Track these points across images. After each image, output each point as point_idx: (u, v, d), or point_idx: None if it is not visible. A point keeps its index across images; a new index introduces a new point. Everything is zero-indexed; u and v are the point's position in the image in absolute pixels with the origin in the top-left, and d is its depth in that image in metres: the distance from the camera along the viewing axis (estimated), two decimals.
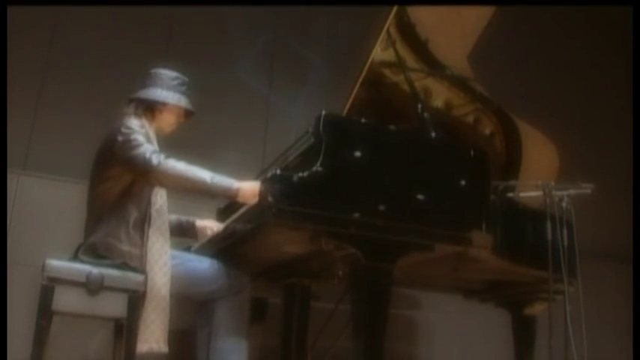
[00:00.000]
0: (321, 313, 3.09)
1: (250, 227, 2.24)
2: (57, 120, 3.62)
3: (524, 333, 3.03)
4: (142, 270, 2.30)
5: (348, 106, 2.78)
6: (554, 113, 4.42)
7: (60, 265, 2.20)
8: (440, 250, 2.27)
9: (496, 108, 3.12)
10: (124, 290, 2.23)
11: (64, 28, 3.77)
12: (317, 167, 2.11)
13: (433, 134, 2.45)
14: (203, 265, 2.49)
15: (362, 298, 2.17)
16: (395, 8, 2.70)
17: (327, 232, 2.11)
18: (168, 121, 2.57)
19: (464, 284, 3.19)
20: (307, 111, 3.59)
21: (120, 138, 2.33)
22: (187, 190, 2.38)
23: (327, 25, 4.37)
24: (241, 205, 2.40)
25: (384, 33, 2.71)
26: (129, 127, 2.36)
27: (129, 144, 2.31)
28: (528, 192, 2.73)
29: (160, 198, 2.45)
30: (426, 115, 2.55)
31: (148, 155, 2.27)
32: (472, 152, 2.43)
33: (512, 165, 3.12)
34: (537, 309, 3.00)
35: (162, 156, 2.28)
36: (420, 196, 2.26)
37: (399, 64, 2.80)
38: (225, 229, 2.54)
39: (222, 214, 3.03)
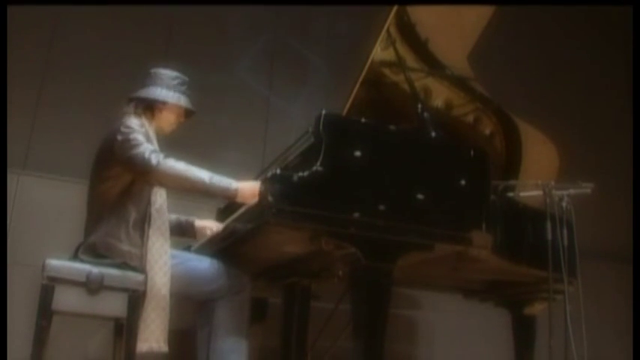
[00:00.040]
0: (321, 313, 3.09)
1: (250, 227, 2.24)
2: (57, 120, 3.62)
3: (524, 333, 3.03)
4: (141, 269, 2.30)
5: (348, 105, 2.78)
6: (554, 113, 4.42)
7: (60, 264, 2.20)
8: (440, 250, 2.27)
9: (496, 108, 3.12)
10: (124, 290, 2.23)
11: (64, 28, 3.77)
12: (317, 167, 2.11)
13: (433, 134, 2.45)
14: (203, 264, 2.49)
15: (362, 298, 2.17)
16: (395, 8, 2.70)
17: (327, 232, 2.10)
18: (168, 120, 2.57)
19: (464, 284, 3.19)
20: (307, 111, 3.60)
21: (119, 137, 2.33)
22: (186, 190, 2.38)
23: (327, 25, 4.37)
24: (241, 205, 2.40)
25: (384, 33, 2.71)
26: (128, 127, 2.36)
27: (128, 143, 2.31)
28: (528, 192, 2.73)
29: (159, 197, 2.45)
30: (426, 114, 2.55)
31: (147, 155, 2.27)
32: (472, 152, 2.43)
33: (512, 165, 3.12)
34: (537, 309, 3.00)
35: (161, 156, 2.28)
36: (420, 196, 2.26)
37: (399, 64, 2.80)
38: (225, 228, 2.54)
39: (222, 214, 3.03)
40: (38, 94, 3.64)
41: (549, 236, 2.56)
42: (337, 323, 2.92)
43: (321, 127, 2.20)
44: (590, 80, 5.00)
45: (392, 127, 2.33)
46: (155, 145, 2.45)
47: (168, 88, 2.54)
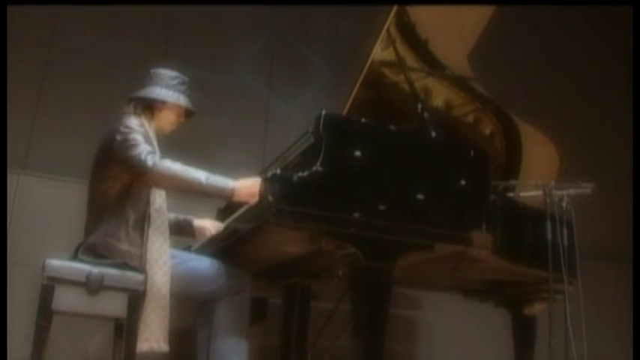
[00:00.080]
0: (321, 313, 3.09)
1: (250, 227, 2.24)
2: (57, 120, 3.62)
3: (524, 333, 3.03)
4: (141, 269, 2.30)
5: (348, 106, 2.78)
6: (554, 113, 4.43)
7: (60, 264, 2.20)
8: (440, 250, 2.27)
9: (496, 108, 3.12)
10: (124, 290, 2.23)
11: (64, 28, 3.77)
12: (317, 167, 2.11)
13: (433, 134, 2.45)
14: (203, 264, 2.49)
15: (362, 298, 2.17)
16: (395, 8, 2.70)
17: (327, 232, 2.10)
18: (168, 119, 2.56)
19: (464, 284, 3.19)
20: (307, 111, 3.60)
21: (118, 137, 2.33)
22: (183, 191, 2.38)
23: (327, 25, 4.37)
24: (241, 205, 2.40)
25: (384, 33, 2.71)
26: (127, 127, 2.36)
27: (127, 143, 2.30)
28: (528, 192, 2.73)
29: (158, 197, 2.45)
30: (426, 114, 2.55)
31: (143, 156, 2.26)
32: (472, 152, 2.43)
33: (512, 165, 3.12)
34: (537, 309, 3.00)
35: (157, 157, 2.27)
36: (420, 196, 2.26)
37: (399, 64, 2.80)
38: (226, 228, 2.54)
39: (222, 214, 3.03)
40: (38, 94, 3.64)
41: (549, 236, 2.55)
42: (337, 323, 2.92)
43: (321, 127, 2.20)
44: (590, 80, 5.00)
45: (392, 127, 2.33)
46: (155, 145, 2.45)
47: (167, 88, 2.54)
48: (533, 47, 4.85)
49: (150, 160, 2.25)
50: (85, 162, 2.48)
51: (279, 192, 2.02)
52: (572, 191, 2.63)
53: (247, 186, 2.26)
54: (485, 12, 3.02)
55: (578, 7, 4.81)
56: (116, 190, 2.35)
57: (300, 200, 2.04)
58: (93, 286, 2.18)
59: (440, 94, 3.05)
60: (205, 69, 3.81)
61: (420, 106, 2.59)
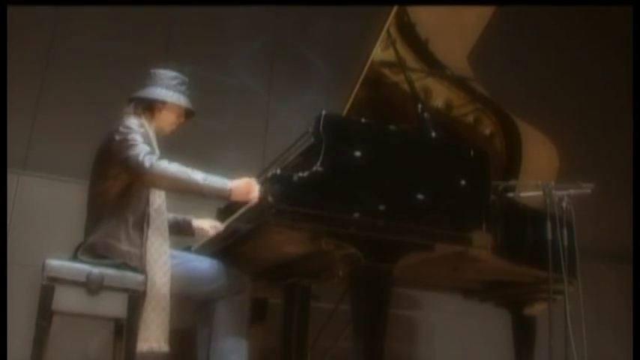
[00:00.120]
0: (321, 313, 3.09)
1: (250, 227, 2.24)
2: (57, 120, 3.61)
3: (524, 333, 3.03)
4: (141, 270, 2.30)
5: (348, 106, 2.78)
6: (554, 113, 4.43)
7: (60, 264, 2.20)
8: (440, 250, 2.27)
9: (496, 108, 3.12)
10: (124, 290, 2.23)
11: (64, 28, 3.76)
12: (317, 167, 2.11)
13: (433, 134, 2.45)
14: (203, 264, 2.49)
15: (362, 298, 2.17)
16: (395, 8, 2.70)
17: (327, 232, 2.11)
18: (168, 120, 2.56)
19: (464, 284, 3.20)
20: (307, 111, 3.59)
21: (117, 137, 2.33)
22: (181, 192, 2.38)
23: (328, 25, 4.37)
24: (241, 205, 2.40)
25: (384, 33, 2.71)
26: (127, 127, 2.36)
27: (125, 143, 2.30)
28: (528, 192, 2.73)
29: (158, 198, 2.45)
30: (426, 115, 2.55)
31: (141, 158, 2.25)
32: (472, 152, 2.43)
33: (512, 165, 3.12)
34: (537, 309, 3.01)
35: (154, 158, 2.27)
36: (420, 196, 2.26)
37: (399, 64, 2.80)
38: (226, 228, 2.54)
39: (222, 214, 3.03)
40: (38, 94, 3.64)
41: (549, 236, 2.55)
42: (337, 323, 2.92)
43: (321, 127, 2.20)
44: (590, 80, 5.00)
45: (392, 127, 2.34)
46: (155, 146, 2.45)
47: (167, 88, 2.54)
48: (533, 47, 4.85)
49: (147, 161, 2.24)
50: (85, 162, 2.48)
51: (279, 192, 2.02)
52: (572, 191, 2.63)
53: (242, 186, 2.25)
54: (485, 12, 3.02)
55: (578, 7, 4.82)
56: (116, 190, 2.35)
57: (300, 200, 2.04)
58: (93, 287, 2.18)
59: (440, 95, 3.05)
60: (205, 69, 3.81)
61: (420, 106, 2.59)
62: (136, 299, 2.24)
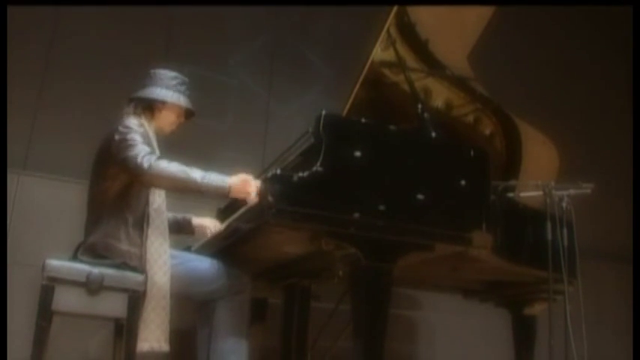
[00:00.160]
0: (321, 313, 3.09)
1: (250, 227, 2.24)
2: (57, 120, 3.62)
3: (524, 333, 3.04)
4: (141, 269, 2.30)
5: (348, 106, 2.78)
6: (554, 113, 4.43)
7: (60, 264, 2.20)
8: (440, 250, 2.27)
9: (496, 108, 3.12)
10: (124, 290, 2.23)
11: (64, 28, 3.76)
12: (317, 167, 2.10)
13: (433, 134, 2.45)
14: (203, 264, 2.49)
15: (362, 298, 2.17)
16: (395, 8, 2.70)
17: (327, 232, 2.11)
18: (167, 120, 2.56)
19: (464, 284, 3.20)
20: (307, 111, 3.59)
21: (117, 137, 2.33)
22: (180, 191, 2.38)
23: (328, 25, 4.37)
24: (241, 205, 2.40)
25: (384, 33, 2.71)
26: (126, 127, 2.36)
27: (125, 143, 2.30)
28: (528, 192, 2.73)
29: (158, 197, 2.45)
30: (426, 115, 2.55)
31: (139, 159, 2.25)
32: (472, 152, 2.43)
33: (512, 165, 3.12)
34: (537, 309, 3.01)
35: (153, 158, 2.26)
36: (420, 196, 2.26)
37: (399, 64, 2.80)
38: (227, 228, 2.54)
39: (222, 214, 3.03)
40: (38, 94, 3.64)
41: (549, 236, 2.56)
42: (337, 323, 2.92)
43: (321, 127, 2.20)
44: (590, 80, 5.00)
45: (392, 127, 2.33)
46: (154, 146, 2.45)
47: (167, 88, 2.54)
48: (533, 47, 4.85)
49: (146, 162, 2.24)
50: (85, 162, 2.48)
51: (279, 192, 2.02)
52: (572, 191, 2.63)
53: (241, 183, 2.25)
54: (485, 12, 3.02)
55: (578, 7, 4.82)
56: (115, 189, 2.35)
57: (300, 200, 2.04)
58: (93, 287, 2.18)
59: (440, 95, 3.05)
60: (205, 69, 3.81)
61: (420, 106, 2.59)
62: (136, 299, 2.24)
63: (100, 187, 2.38)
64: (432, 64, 2.97)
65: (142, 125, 2.43)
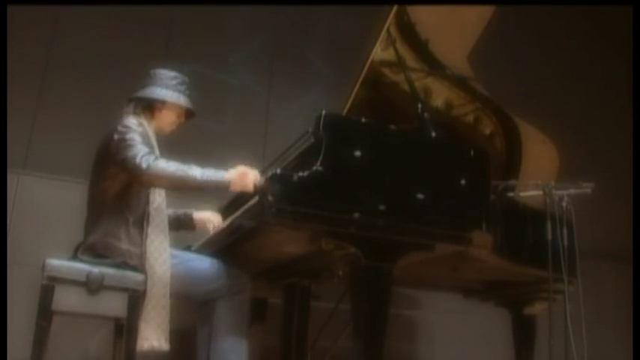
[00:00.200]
0: (321, 313, 3.09)
1: (250, 226, 2.24)
2: (57, 120, 3.61)
3: (524, 333, 3.03)
4: (141, 269, 2.30)
5: (348, 105, 2.78)
6: (554, 113, 4.43)
7: (60, 264, 2.20)
8: (440, 250, 2.27)
9: (496, 108, 3.12)
10: (124, 289, 2.23)
11: (64, 28, 3.76)
12: (317, 167, 2.10)
13: (433, 134, 2.45)
14: (203, 264, 2.49)
15: (362, 298, 2.17)
16: (395, 8, 2.70)
17: (327, 232, 2.11)
18: (167, 119, 2.56)
19: (464, 284, 3.19)
20: (307, 111, 3.59)
21: (116, 137, 2.33)
22: (180, 189, 2.38)
23: (328, 25, 4.37)
24: (242, 203, 2.40)
25: (384, 32, 2.71)
26: (126, 126, 2.36)
27: (124, 143, 2.30)
28: (528, 192, 2.73)
29: (158, 196, 2.45)
30: (426, 114, 2.55)
31: (138, 159, 2.25)
32: (472, 152, 2.42)
33: (512, 165, 3.12)
34: (537, 309, 3.00)
35: (151, 158, 2.26)
36: (420, 196, 2.26)
37: (399, 64, 2.80)
38: (230, 224, 2.53)
39: (223, 213, 3.03)
40: (38, 94, 3.64)
41: (549, 236, 2.55)
42: (337, 323, 2.92)
43: (321, 127, 2.20)
44: (590, 80, 5.00)
45: (392, 127, 2.33)
46: (154, 146, 2.45)
47: (167, 88, 2.54)
48: (533, 47, 4.85)
49: (144, 162, 2.24)
50: (85, 162, 2.48)
51: (279, 192, 2.02)
52: (572, 191, 2.63)
53: (239, 176, 2.24)
54: (485, 12, 3.02)
55: (578, 7, 4.82)
56: (115, 189, 2.35)
57: (300, 200, 2.04)
58: (93, 286, 2.18)
59: (440, 94, 3.05)
60: (205, 68, 3.81)
61: (420, 106, 2.59)
62: (136, 299, 2.24)
63: (100, 186, 2.38)
64: (432, 64, 2.97)
65: (141, 125, 2.43)
